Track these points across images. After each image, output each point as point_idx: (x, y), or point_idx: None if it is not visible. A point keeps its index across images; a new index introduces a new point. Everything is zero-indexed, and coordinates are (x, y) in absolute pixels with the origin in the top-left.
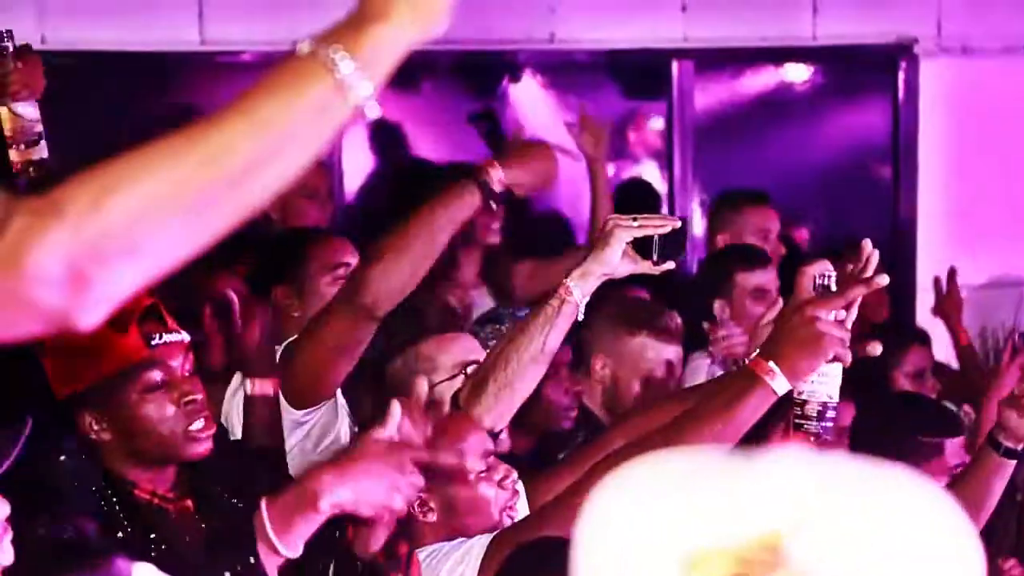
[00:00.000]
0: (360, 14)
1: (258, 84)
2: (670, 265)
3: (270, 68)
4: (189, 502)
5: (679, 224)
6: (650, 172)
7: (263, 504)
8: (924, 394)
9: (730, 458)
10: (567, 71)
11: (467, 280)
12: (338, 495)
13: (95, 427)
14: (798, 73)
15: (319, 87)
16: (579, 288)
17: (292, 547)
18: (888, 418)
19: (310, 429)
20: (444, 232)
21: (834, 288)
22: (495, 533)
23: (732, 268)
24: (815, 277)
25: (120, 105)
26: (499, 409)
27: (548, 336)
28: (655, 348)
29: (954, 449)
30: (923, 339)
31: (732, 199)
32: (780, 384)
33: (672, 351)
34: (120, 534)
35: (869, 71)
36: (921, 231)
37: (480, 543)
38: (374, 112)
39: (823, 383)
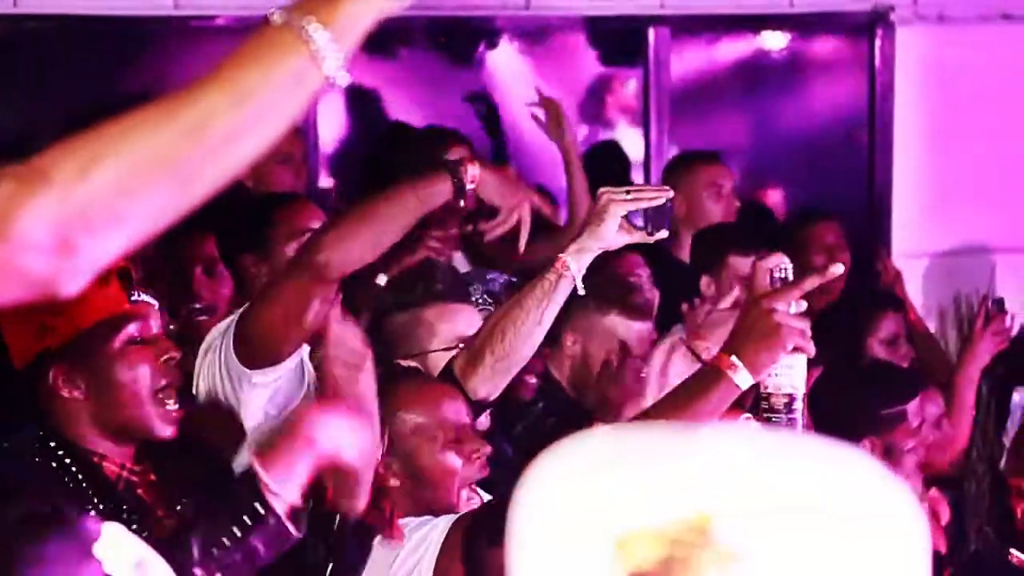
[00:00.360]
0: None
1: (235, 55)
2: (663, 234)
3: (245, 38)
4: (152, 476)
5: (671, 194)
6: (627, 138)
7: (254, 459)
8: (883, 361)
9: (668, 436)
10: (543, 37)
11: (445, 243)
12: (329, 432)
13: (66, 385)
14: (774, 40)
15: (295, 57)
16: (575, 262)
17: (292, 493)
18: (849, 395)
19: (272, 395)
20: (411, 215)
21: (791, 279)
22: (457, 516)
23: (725, 249)
24: (771, 270)
25: (93, 70)
26: (495, 381)
27: (545, 310)
28: (625, 325)
29: (915, 409)
30: (897, 305)
31: (684, 159)
32: (743, 378)
33: (642, 327)
34: (91, 511)
35: (846, 38)
36: (896, 198)
37: (442, 525)
38: (345, 81)
39: (787, 375)
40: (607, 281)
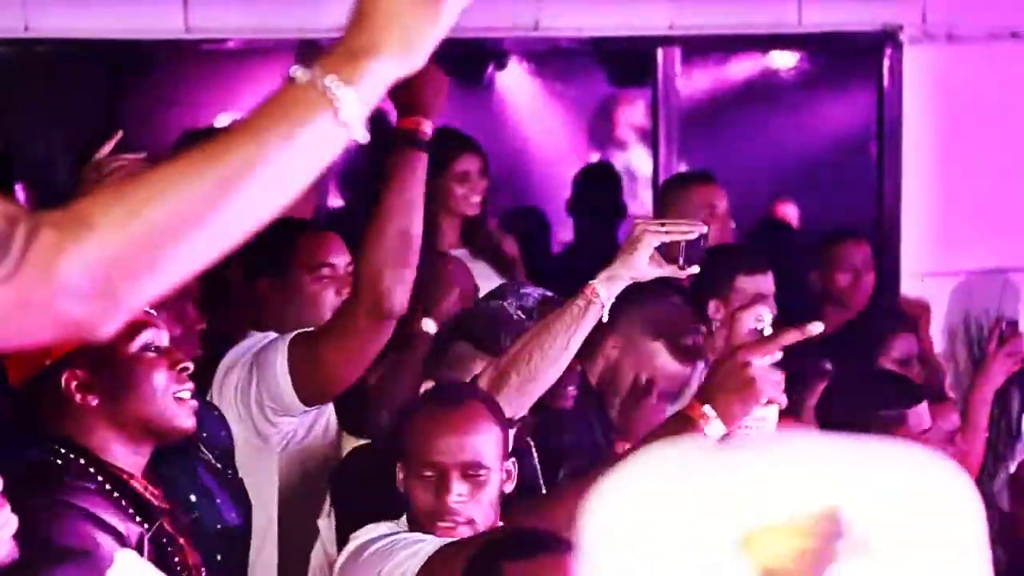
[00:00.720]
0: (354, 45)
1: (264, 110)
2: (695, 269)
3: (272, 95)
4: (166, 504)
5: (705, 230)
6: (636, 158)
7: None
8: (886, 370)
9: (751, 441)
10: (552, 58)
11: (449, 245)
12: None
13: (80, 391)
14: (783, 60)
15: (321, 114)
16: (605, 290)
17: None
18: (848, 396)
19: (303, 417)
20: (418, 205)
21: (768, 331)
22: (444, 544)
23: (733, 271)
24: (749, 321)
25: (104, 93)
26: (521, 401)
27: (572, 336)
28: (665, 360)
29: (918, 417)
30: (909, 324)
31: (677, 180)
32: (715, 428)
33: (680, 369)
34: (138, 529)
35: (854, 57)
36: (905, 216)
37: (426, 549)
38: (365, 138)
39: (759, 426)
40: (668, 312)
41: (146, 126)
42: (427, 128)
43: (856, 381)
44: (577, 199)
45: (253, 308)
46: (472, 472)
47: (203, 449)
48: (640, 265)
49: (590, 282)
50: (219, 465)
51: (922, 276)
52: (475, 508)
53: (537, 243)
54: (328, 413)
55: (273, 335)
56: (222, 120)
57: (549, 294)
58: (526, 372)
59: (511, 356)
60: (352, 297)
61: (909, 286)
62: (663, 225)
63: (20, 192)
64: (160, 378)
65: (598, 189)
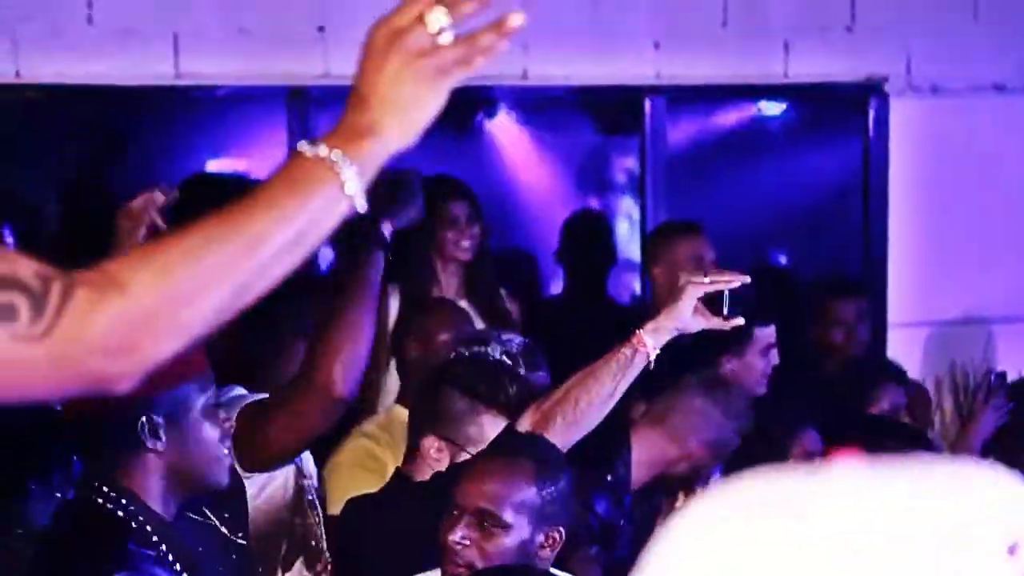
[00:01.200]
0: (357, 124)
1: (276, 182)
2: (739, 320)
3: (283, 167)
4: None
5: (748, 280)
6: (624, 206)
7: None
8: (887, 416)
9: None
10: (541, 107)
11: (447, 295)
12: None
13: (152, 436)
14: (770, 110)
15: (328, 187)
16: (652, 339)
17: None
18: (856, 437)
19: (255, 477)
20: (374, 298)
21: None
22: None
23: (749, 324)
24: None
25: (95, 139)
26: (562, 443)
27: (619, 383)
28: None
29: None
30: (898, 376)
31: (665, 230)
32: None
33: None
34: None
35: (840, 109)
36: (892, 268)
37: None
38: (363, 208)
39: None
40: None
41: (136, 172)
42: (386, 231)
43: (861, 424)
44: (565, 248)
45: (239, 360)
46: (487, 522)
47: (208, 512)
48: (684, 316)
49: (637, 330)
50: (225, 530)
51: (907, 326)
52: (479, 558)
53: (526, 291)
54: (286, 476)
55: (239, 391)
56: (212, 166)
57: (527, 341)
58: (571, 416)
59: (556, 400)
60: (303, 380)
61: (895, 336)
62: (706, 277)
63: (8, 236)
64: (219, 432)
65: (587, 238)
